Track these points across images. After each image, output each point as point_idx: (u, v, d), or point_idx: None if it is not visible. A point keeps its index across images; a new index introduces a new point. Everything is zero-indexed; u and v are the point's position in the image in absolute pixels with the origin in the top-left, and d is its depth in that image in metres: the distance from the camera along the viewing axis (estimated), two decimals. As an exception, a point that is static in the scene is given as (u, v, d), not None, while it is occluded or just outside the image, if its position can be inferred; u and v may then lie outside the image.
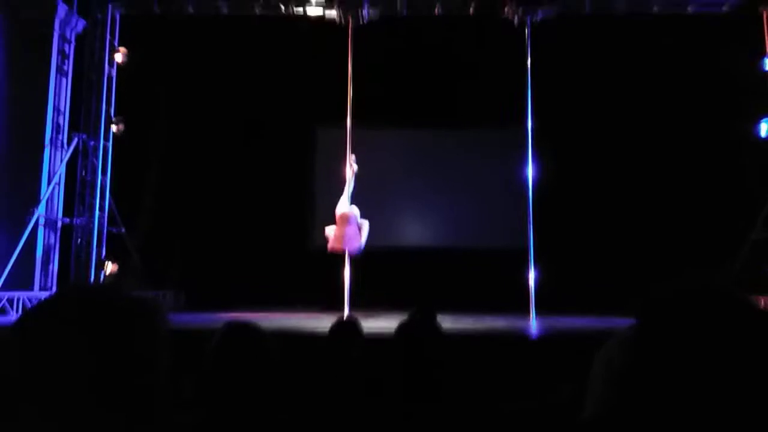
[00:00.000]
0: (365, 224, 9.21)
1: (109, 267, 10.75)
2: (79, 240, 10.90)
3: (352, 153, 9.63)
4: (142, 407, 0.76)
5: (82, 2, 11.20)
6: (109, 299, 0.79)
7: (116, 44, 11.37)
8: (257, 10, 11.18)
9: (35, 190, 10.43)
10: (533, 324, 9.06)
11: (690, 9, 11.02)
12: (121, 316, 0.78)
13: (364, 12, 10.82)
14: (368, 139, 11.03)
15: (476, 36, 11.29)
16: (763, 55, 10.87)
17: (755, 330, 0.74)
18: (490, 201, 12.24)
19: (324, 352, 2.88)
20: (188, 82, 11.89)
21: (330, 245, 9.21)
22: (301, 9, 11.08)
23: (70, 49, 11.33)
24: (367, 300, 9.47)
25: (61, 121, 11.06)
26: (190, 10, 11.16)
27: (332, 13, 10.91)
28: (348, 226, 9.04)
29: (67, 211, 11.04)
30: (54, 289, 10.53)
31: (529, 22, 10.75)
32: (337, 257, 9.71)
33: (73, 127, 11.06)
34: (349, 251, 9.32)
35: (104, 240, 11.08)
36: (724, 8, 10.98)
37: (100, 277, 10.58)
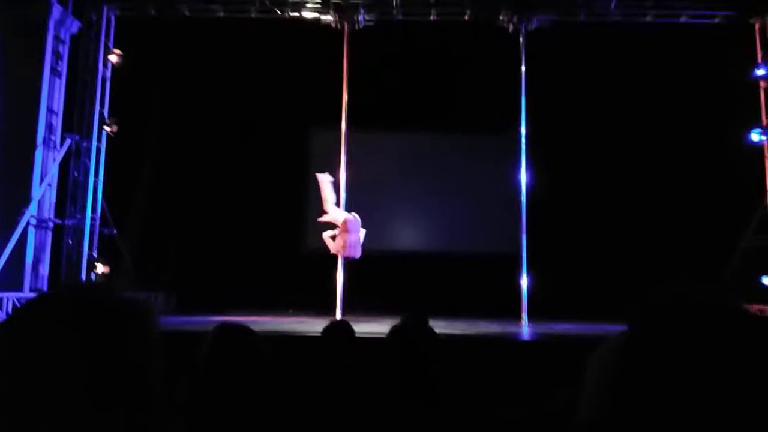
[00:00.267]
0: (363, 231, 9.32)
1: (101, 268, 10.70)
2: (70, 241, 10.84)
3: (325, 171, 9.64)
4: (132, 408, 0.75)
5: (77, 3, 11.16)
6: (101, 299, 0.79)
7: (111, 45, 11.34)
8: (253, 14, 11.18)
9: (27, 190, 10.36)
10: (525, 329, 9.07)
11: (683, 19, 11.12)
12: (112, 316, 0.78)
13: (360, 17, 10.84)
14: (363, 143, 11.05)
15: (471, 42, 11.33)
16: (754, 64, 10.98)
17: (747, 336, 0.75)
18: (484, 206, 12.25)
19: (316, 354, 2.88)
20: (183, 84, 11.85)
21: (334, 252, 9.28)
22: (296, 13, 11.09)
23: (65, 50, 11.27)
24: (359, 304, 9.46)
25: (54, 122, 11.00)
26: (186, 12, 11.16)
27: (328, 18, 10.92)
28: (350, 234, 9.09)
29: (59, 212, 10.98)
30: (44, 290, 10.45)
31: (523, 29, 10.81)
32: (330, 261, 9.72)
33: (67, 128, 11.02)
34: (352, 257, 9.36)
35: (96, 241, 11.03)
36: (717, 20, 11.10)
37: (91, 278, 10.52)
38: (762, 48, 11.09)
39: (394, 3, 10.87)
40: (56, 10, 10.92)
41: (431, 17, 11.18)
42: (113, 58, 11.22)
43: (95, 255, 10.88)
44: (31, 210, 10.11)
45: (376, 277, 10.67)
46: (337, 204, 9.77)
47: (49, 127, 10.90)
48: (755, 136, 10.83)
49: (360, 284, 9.93)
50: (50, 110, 10.93)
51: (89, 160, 10.99)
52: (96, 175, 11.07)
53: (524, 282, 10.22)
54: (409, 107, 12.06)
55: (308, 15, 11.06)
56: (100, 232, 11.11)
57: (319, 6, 10.94)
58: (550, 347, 6.63)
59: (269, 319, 9.04)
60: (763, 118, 10.98)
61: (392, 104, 11.92)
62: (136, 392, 0.76)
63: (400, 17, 11.14)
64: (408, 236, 12.85)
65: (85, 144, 10.98)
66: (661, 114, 11.44)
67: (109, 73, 11.36)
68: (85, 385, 0.71)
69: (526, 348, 6.94)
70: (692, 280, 9.48)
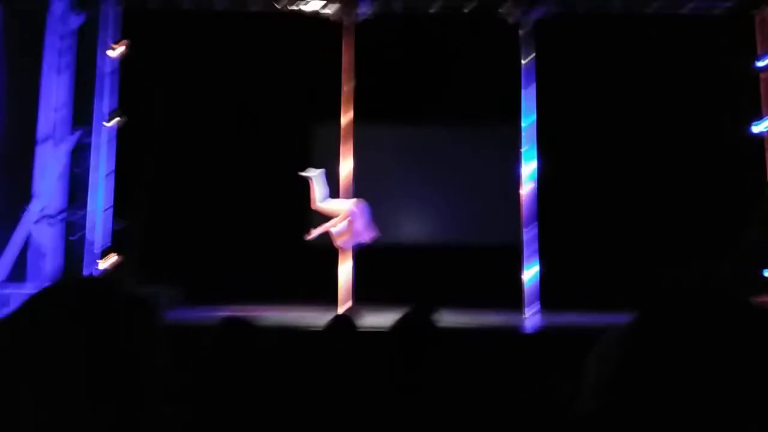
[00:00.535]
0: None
1: (107, 262, 10.73)
2: (77, 235, 10.87)
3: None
4: (135, 400, 0.76)
5: (79, -4, 11.13)
6: (107, 292, 0.80)
7: (114, 39, 11.32)
8: (253, 8, 11.18)
9: (32, 185, 10.38)
10: (528, 319, 9.10)
11: (684, 10, 11.11)
12: (118, 308, 0.79)
13: (360, 10, 10.83)
14: (365, 135, 11.04)
15: (472, 33, 11.30)
16: (755, 56, 10.95)
17: (750, 327, 0.75)
18: (488, 197, 12.23)
19: (319, 347, 2.89)
20: (186, 76, 11.84)
21: (340, 244, 9.27)
22: (296, 6, 11.09)
23: (68, 44, 11.26)
24: (364, 296, 9.48)
25: (58, 116, 11.00)
26: (188, 5, 11.15)
27: (328, 11, 10.91)
28: (355, 222, 9.09)
29: (66, 206, 10.99)
30: (49, 284, 10.48)
31: (525, 20, 10.78)
32: (335, 253, 9.75)
33: (72, 122, 11.01)
34: (364, 243, 9.34)
35: (102, 235, 11.05)
36: (717, 11, 11.10)
37: (96, 272, 10.54)
38: (763, 39, 11.10)
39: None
40: (59, 3, 10.89)
41: (432, 9, 11.16)
42: (117, 51, 11.21)
43: (102, 249, 10.91)
44: (37, 204, 10.14)
45: (381, 269, 10.67)
46: (338, 195, 9.74)
47: (54, 122, 10.90)
48: (757, 127, 10.87)
49: (365, 276, 9.96)
50: (54, 105, 10.92)
51: (94, 154, 10.99)
52: (98, 169, 11.07)
53: (525, 274, 10.31)
54: (410, 99, 12.04)
55: (308, 7, 11.05)
56: (108, 226, 11.13)
57: (319, -1, 10.95)
58: (553, 338, 6.64)
59: (275, 311, 9.09)
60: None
61: (394, 96, 11.89)
62: (138, 382, 0.77)
63: (401, 8, 11.13)
64: (412, 228, 12.84)
65: (90, 138, 10.98)
66: (664, 105, 11.42)
67: (113, 67, 11.34)
68: (87, 377, 0.72)
69: (527, 339, 6.96)
70: (696, 271, 9.49)
